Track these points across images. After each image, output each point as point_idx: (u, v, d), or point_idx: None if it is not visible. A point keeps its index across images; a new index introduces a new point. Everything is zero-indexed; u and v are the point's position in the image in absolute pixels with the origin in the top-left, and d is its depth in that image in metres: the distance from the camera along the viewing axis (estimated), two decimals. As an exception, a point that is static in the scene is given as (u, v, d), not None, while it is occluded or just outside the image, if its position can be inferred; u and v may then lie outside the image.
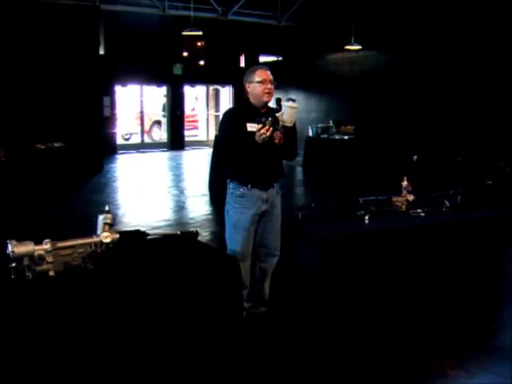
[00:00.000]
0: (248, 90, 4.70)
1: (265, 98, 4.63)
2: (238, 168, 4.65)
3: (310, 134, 16.04)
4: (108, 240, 3.59)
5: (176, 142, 20.53)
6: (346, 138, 15.20)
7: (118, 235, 3.65)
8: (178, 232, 4.08)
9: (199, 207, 10.71)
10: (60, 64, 15.19)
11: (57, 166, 13.18)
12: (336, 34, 15.92)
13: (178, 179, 15.07)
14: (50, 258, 3.38)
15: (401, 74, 14.73)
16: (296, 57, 19.28)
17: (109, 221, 3.71)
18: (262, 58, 21.69)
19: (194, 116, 23.46)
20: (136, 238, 3.88)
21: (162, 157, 19.17)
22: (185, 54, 18.25)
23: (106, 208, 3.75)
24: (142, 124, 20.73)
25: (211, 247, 4.31)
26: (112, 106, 19.05)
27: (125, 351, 3.28)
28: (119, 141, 20.26)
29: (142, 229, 9.03)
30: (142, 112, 20.61)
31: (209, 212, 10.39)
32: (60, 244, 3.45)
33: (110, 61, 17.90)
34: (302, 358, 4.33)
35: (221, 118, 4.89)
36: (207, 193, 11.91)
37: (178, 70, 19.64)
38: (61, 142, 14.11)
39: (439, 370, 4.15)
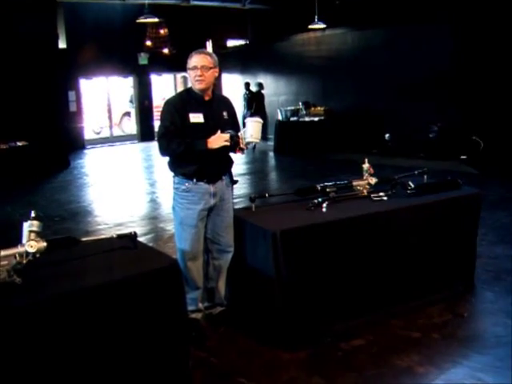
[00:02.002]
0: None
1: (196, 86, 4.27)
2: (181, 161, 4.30)
3: (280, 117, 15.72)
4: (34, 250, 3.30)
5: (146, 133, 20.08)
6: (316, 119, 14.93)
7: (45, 244, 3.34)
8: (114, 235, 3.75)
9: (168, 201, 10.34)
10: (18, 60, 14.66)
11: (20, 165, 12.74)
12: (300, 14, 15.56)
13: (147, 171, 14.72)
14: (-31, 274, 3.09)
15: (369, 51, 14.42)
16: (262, 39, 18.91)
17: (35, 228, 3.41)
18: (231, 43, 21.35)
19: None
20: (66, 245, 3.55)
21: (132, 149, 18.76)
22: (148, 42, 17.79)
23: (33, 214, 3.42)
24: (110, 117, 20.25)
25: (150, 248, 3.97)
26: (78, 99, 18.56)
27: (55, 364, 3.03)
28: (89, 135, 19.78)
29: (104, 226, 8.74)
30: (109, 104, 20.13)
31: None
32: (-21, 258, 3.15)
33: (73, 54, 17.43)
34: (260, 357, 4.05)
35: (162, 106, 4.51)
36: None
37: (143, 59, 19.19)
38: (24, 140, 13.64)
39: (406, 366, 3.85)
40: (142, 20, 13.30)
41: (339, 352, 4.08)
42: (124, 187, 11.88)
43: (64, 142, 15.06)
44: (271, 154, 15.69)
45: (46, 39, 15.52)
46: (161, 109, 4.47)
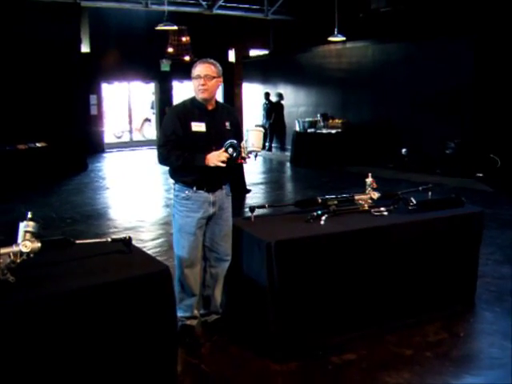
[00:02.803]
0: None
1: (199, 95, 4.28)
2: (182, 169, 4.32)
3: (297, 128, 15.72)
4: (27, 250, 3.36)
5: (166, 139, 20.17)
6: (333, 132, 14.90)
7: (39, 244, 3.40)
8: (109, 239, 3.79)
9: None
10: (41, 63, 14.88)
11: (38, 166, 12.89)
12: (323, 26, 15.58)
13: (164, 177, 14.71)
14: (-36, 271, 3.16)
15: (389, 65, 14.39)
16: (284, 50, 18.96)
17: (30, 229, 3.48)
18: (253, 52, 21.44)
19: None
20: (60, 246, 3.59)
21: (151, 154, 18.83)
22: (170, 49, 17.88)
23: (29, 215, 3.48)
24: (130, 122, 20.42)
25: (144, 253, 3.96)
26: (99, 103, 18.74)
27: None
28: (109, 139, 19.91)
29: (114, 230, 8.78)
30: (130, 109, 20.30)
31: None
32: (-25, 255, 3.21)
33: (96, 58, 17.64)
34: (250, 367, 4.05)
35: (166, 113, 4.54)
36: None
37: (165, 66, 19.30)
38: (43, 141, 13.81)
39: (395, 383, 3.82)
40: (160, 27, 13.40)
41: (329, 365, 4.05)
42: (140, 192, 11.95)
43: (83, 145, 15.16)
44: (288, 164, 15.69)
45: (70, 43, 15.74)
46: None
